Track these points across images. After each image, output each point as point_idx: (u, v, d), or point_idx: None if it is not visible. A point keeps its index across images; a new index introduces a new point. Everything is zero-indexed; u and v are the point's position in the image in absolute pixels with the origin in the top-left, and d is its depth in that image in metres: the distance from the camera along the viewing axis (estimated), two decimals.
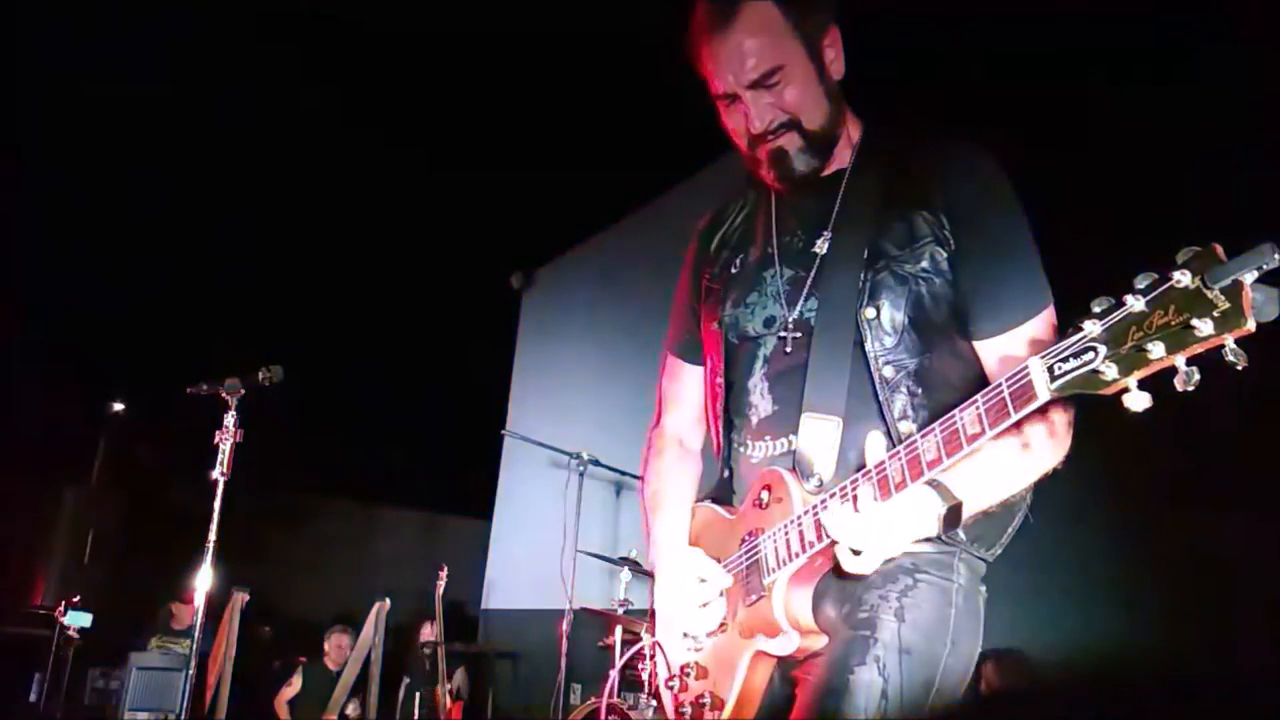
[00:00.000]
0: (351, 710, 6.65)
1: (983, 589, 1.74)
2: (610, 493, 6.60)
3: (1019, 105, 4.19)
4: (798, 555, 1.62)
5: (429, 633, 7.43)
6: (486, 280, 8.60)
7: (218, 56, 5.89)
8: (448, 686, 6.80)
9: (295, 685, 7.15)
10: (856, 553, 1.52)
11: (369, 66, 6.03)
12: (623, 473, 5.84)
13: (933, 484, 1.48)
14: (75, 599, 6.20)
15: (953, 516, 1.50)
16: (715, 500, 1.93)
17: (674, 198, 6.94)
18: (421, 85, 6.19)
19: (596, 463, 5.64)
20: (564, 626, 5.40)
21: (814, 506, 1.59)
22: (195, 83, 6.07)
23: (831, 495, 1.56)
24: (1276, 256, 1.03)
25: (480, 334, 8.66)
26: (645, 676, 4.29)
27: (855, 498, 1.52)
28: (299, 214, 7.31)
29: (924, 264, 1.68)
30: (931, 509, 1.49)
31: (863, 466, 1.54)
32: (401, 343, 8.27)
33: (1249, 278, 1.04)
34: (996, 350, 1.65)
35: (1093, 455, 1.68)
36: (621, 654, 4.83)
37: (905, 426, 1.65)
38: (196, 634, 3.57)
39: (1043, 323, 1.62)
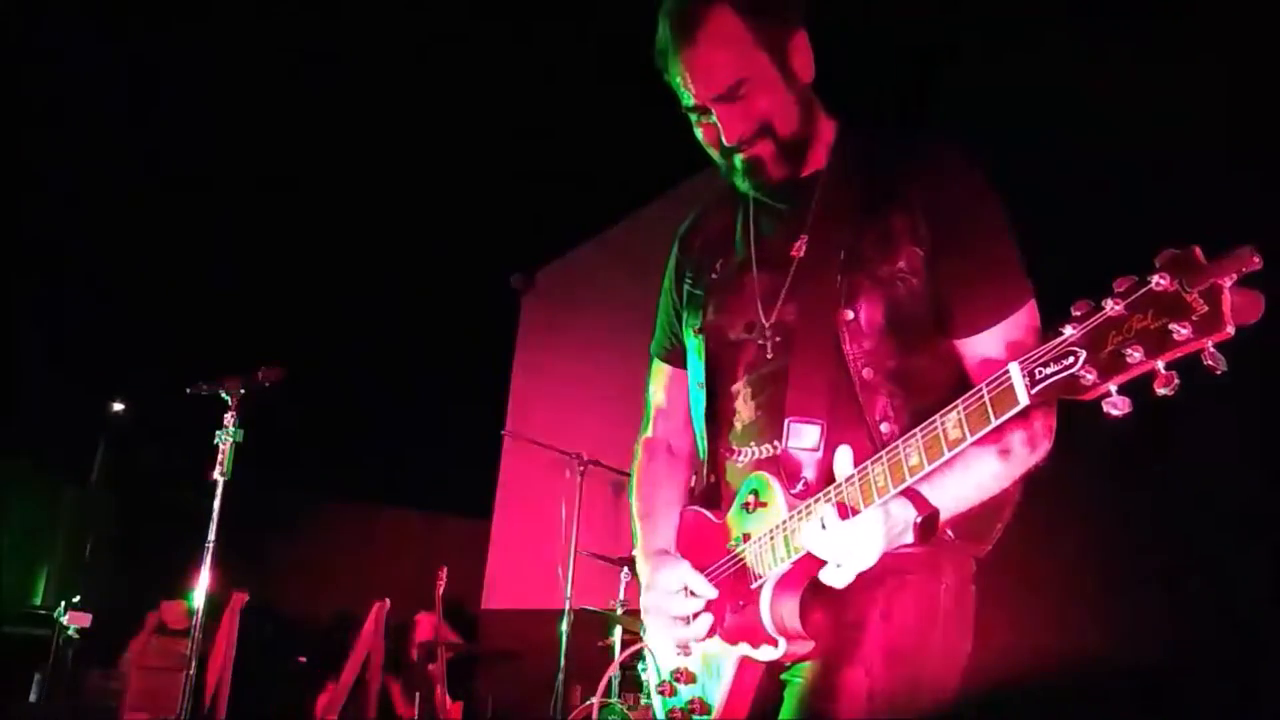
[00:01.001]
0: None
1: (973, 589, 1.74)
2: (610, 493, 6.59)
3: (1010, 98, 4.18)
4: (783, 560, 1.61)
5: (426, 630, 7.41)
6: (486, 280, 8.59)
7: (216, 57, 5.89)
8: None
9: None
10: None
11: (370, 66, 6.03)
12: (623, 473, 5.82)
13: (906, 493, 1.47)
14: (75, 599, 6.20)
15: (928, 525, 1.50)
16: (704, 505, 1.92)
17: (675, 198, 6.93)
18: (422, 85, 6.18)
19: (596, 463, 5.65)
20: (564, 626, 5.41)
21: (799, 511, 1.59)
22: (194, 82, 6.08)
23: (817, 500, 1.56)
24: (1256, 260, 1.03)
25: (480, 334, 8.65)
26: (645, 677, 4.29)
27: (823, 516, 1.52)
28: (299, 214, 7.31)
29: (900, 264, 1.67)
30: (905, 518, 1.50)
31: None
32: (401, 343, 8.26)
33: (1228, 281, 1.04)
34: (975, 349, 1.65)
35: (1086, 451, 1.68)
36: (621, 654, 4.84)
37: (886, 429, 1.64)
38: (196, 634, 3.57)
39: (1021, 320, 1.61)
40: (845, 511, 1.49)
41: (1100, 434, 1.45)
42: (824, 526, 1.50)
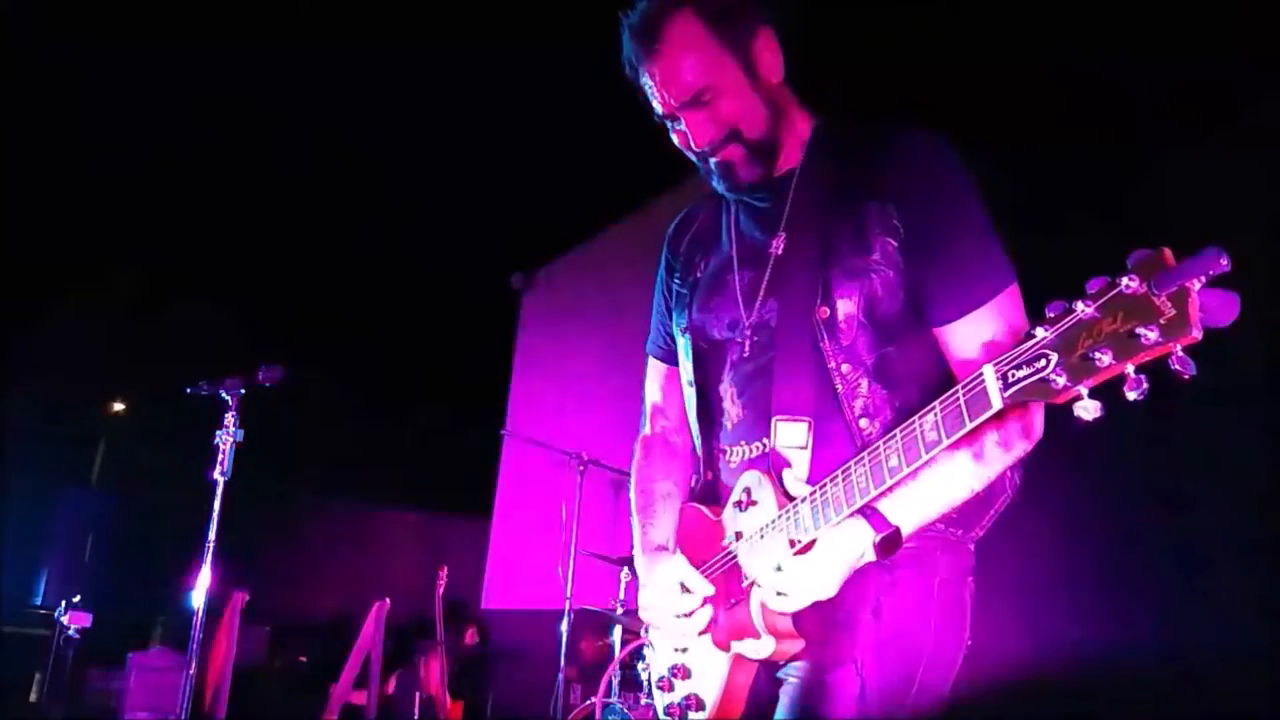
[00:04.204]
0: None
1: (970, 581, 1.72)
2: (610, 493, 6.60)
3: (1001, 90, 4.16)
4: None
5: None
6: (486, 280, 8.60)
7: (216, 58, 5.91)
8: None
9: None
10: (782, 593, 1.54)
11: (371, 66, 6.04)
12: (623, 473, 5.81)
13: (863, 511, 1.47)
14: (75, 599, 6.20)
15: (889, 543, 1.50)
16: (702, 501, 1.93)
17: (675, 197, 6.92)
18: (422, 85, 6.19)
19: (596, 463, 5.65)
20: (564, 626, 5.41)
21: (788, 510, 1.59)
22: (194, 81, 6.09)
23: (800, 502, 1.57)
24: (1223, 262, 1.00)
25: (480, 334, 8.66)
26: (645, 676, 4.30)
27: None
28: (300, 214, 7.32)
29: (875, 256, 1.65)
30: (863, 542, 1.50)
31: (833, 468, 1.54)
32: (401, 342, 8.28)
33: (1195, 284, 1.01)
34: (956, 337, 1.63)
35: (1085, 449, 1.67)
36: (620, 654, 4.85)
37: (866, 424, 1.64)
38: (196, 634, 3.57)
39: (1000, 306, 1.59)
40: (794, 544, 1.51)
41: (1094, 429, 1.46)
42: (779, 568, 1.52)
